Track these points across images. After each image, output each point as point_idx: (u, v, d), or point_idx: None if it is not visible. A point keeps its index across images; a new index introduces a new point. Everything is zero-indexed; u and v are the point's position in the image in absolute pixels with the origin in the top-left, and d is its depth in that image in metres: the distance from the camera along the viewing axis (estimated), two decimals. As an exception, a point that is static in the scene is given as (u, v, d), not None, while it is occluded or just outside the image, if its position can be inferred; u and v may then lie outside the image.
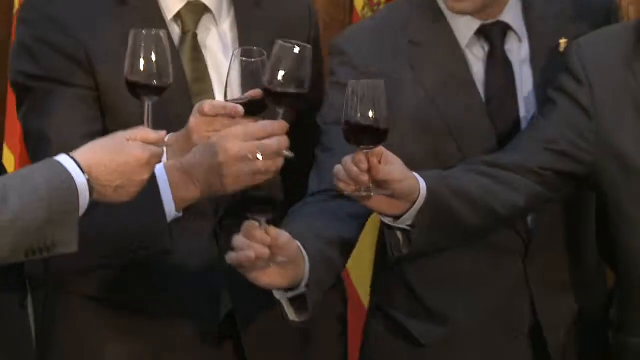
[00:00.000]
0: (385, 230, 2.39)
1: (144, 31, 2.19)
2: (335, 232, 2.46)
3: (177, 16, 2.51)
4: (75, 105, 2.48)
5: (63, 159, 1.99)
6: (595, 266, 2.74)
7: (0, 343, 2.26)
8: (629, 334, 2.52)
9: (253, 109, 2.32)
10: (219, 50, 2.59)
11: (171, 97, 2.32)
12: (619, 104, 2.43)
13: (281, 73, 2.24)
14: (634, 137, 2.42)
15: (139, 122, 2.23)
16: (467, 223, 2.45)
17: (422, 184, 2.32)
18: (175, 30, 2.53)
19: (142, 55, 2.19)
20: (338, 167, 2.21)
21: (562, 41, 2.62)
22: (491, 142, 2.57)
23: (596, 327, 2.67)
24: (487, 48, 2.62)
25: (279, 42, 2.25)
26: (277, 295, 2.31)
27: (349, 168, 2.19)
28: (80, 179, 1.99)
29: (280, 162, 2.19)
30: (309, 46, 2.28)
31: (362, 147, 2.19)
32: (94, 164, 2.01)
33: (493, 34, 2.61)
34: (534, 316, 2.58)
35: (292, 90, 2.25)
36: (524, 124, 2.60)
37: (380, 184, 2.22)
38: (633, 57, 2.46)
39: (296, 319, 2.34)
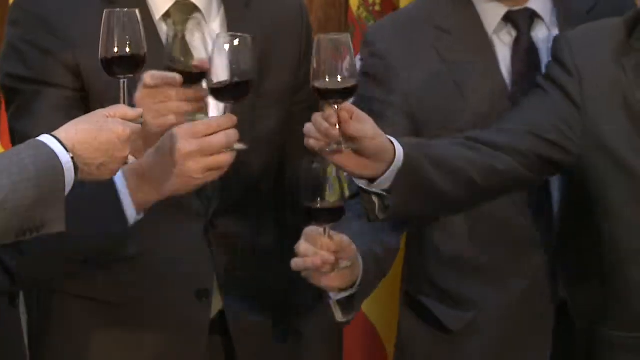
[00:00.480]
0: (360, 194, 2.38)
1: (116, 9, 2.21)
2: (380, 234, 2.49)
3: (166, 15, 2.52)
4: (60, 106, 2.48)
5: (47, 139, 2.00)
6: None
7: None
8: (613, 328, 2.55)
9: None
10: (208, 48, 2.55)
11: None
12: (608, 99, 2.44)
13: (219, 67, 2.27)
14: (623, 132, 2.44)
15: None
16: (445, 192, 2.44)
17: (399, 148, 2.32)
18: (163, 28, 2.52)
19: (115, 34, 2.20)
20: (308, 125, 2.22)
21: None
22: None
23: None
24: (514, 34, 2.66)
25: (219, 34, 2.32)
26: (331, 296, 2.35)
27: (319, 123, 2.20)
28: (65, 158, 2.00)
29: (231, 156, 2.20)
30: (248, 36, 2.28)
31: (331, 101, 2.20)
32: (77, 142, 2.02)
33: (520, 21, 2.65)
34: (558, 303, 2.62)
35: (232, 82, 2.26)
36: None
37: (351, 140, 2.21)
38: (623, 53, 2.48)
39: (342, 320, 2.38)
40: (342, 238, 2.25)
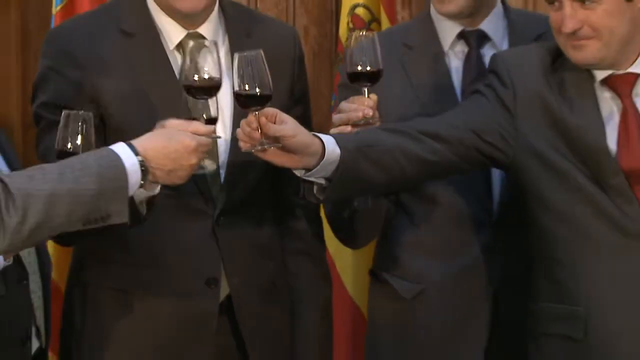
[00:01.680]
0: (300, 181, 2.45)
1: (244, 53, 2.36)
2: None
3: (179, 46, 2.60)
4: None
5: (118, 145, 2.13)
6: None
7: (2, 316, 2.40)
8: (541, 300, 2.66)
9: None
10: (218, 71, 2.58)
11: (176, 113, 2.43)
12: (536, 109, 2.54)
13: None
14: (546, 137, 2.55)
15: None
16: (378, 182, 2.53)
17: (328, 143, 2.39)
18: (177, 57, 2.61)
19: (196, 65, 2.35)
20: (237, 130, 2.34)
21: None
22: None
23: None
24: (466, 50, 2.76)
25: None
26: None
27: (242, 127, 2.31)
28: (131, 160, 2.11)
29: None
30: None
31: (252, 109, 2.33)
32: (149, 148, 2.14)
33: (471, 39, 2.76)
34: (496, 280, 2.73)
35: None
36: None
37: (273, 140, 2.32)
38: (550, 70, 2.58)
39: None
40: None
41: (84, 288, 2.64)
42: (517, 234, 2.69)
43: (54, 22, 3.28)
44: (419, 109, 2.66)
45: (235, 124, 2.58)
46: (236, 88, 2.35)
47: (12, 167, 2.57)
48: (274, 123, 2.35)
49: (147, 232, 2.52)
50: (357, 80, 2.43)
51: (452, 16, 2.69)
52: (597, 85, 2.54)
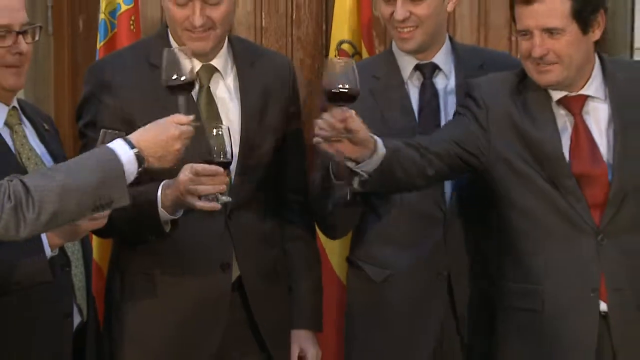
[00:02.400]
0: (345, 171, 2.44)
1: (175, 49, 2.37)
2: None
3: (196, 75, 2.56)
4: None
5: (116, 142, 2.16)
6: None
7: (47, 295, 2.39)
8: (508, 280, 2.69)
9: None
10: (226, 97, 2.69)
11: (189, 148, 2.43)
12: (504, 125, 2.60)
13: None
14: (513, 148, 2.59)
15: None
16: (398, 180, 2.53)
17: (378, 141, 2.43)
18: (195, 85, 2.57)
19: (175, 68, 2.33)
20: (319, 121, 2.33)
21: None
22: None
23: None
24: (421, 80, 2.77)
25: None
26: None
27: (327, 119, 2.31)
28: (128, 154, 2.14)
29: None
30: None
31: (339, 104, 2.34)
32: (142, 140, 2.18)
33: (425, 70, 2.77)
34: (449, 265, 2.74)
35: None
36: None
37: (349, 132, 2.33)
38: (516, 93, 2.62)
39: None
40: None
41: (121, 274, 2.70)
42: (466, 229, 2.75)
43: (98, 55, 3.33)
44: (383, 128, 2.64)
45: (243, 139, 2.65)
46: (330, 87, 2.36)
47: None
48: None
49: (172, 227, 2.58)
50: (336, 100, 2.37)
51: (411, 52, 2.71)
52: (553, 104, 2.59)
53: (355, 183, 2.46)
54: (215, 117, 2.61)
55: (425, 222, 2.75)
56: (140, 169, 2.18)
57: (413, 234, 2.75)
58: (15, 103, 2.48)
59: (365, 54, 3.38)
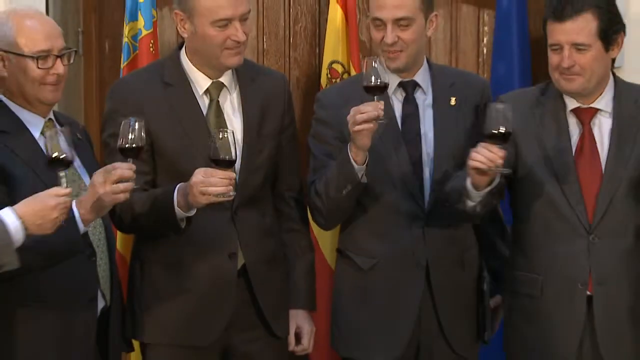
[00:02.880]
0: (471, 192, 2.47)
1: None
2: None
3: (206, 91, 2.65)
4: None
5: (6, 210, 2.12)
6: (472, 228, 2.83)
7: (72, 285, 2.41)
8: (515, 269, 2.72)
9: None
10: (230, 110, 2.68)
11: (201, 140, 2.53)
12: (526, 134, 2.59)
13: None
14: (533, 154, 2.60)
15: (185, 170, 2.49)
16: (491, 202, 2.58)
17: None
18: (205, 100, 2.65)
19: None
20: (478, 153, 2.37)
21: (452, 98, 2.76)
22: (402, 153, 2.70)
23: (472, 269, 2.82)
24: (404, 95, 2.75)
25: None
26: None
27: (491, 155, 2.37)
28: (13, 222, 2.10)
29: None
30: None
31: (498, 145, 2.38)
32: (24, 211, 2.12)
33: (407, 87, 2.75)
34: (428, 257, 2.72)
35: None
36: (422, 143, 2.72)
37: (497, 167, 2.40)
38: (536, 105, 2.63)
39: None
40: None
41: (141, 263, 2.72)
42: (442, 225, 2.75)
43: (122, 74, 3.34)
44: (379, 141, 2.63)
45: (245, 146, 2.64)
46: (490, 128, 2.41)
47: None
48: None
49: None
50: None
51: (396, 71, 2.70)
52: (568, 112, 2.61)
53: (474, 203, 2.53)
54: (222, 126, 2.61)
55: (407, 219, 2.73)
56: (26, 235, 2.15)
57: (396, 229, 2.73)
58: (51, 115, 2.50)
59: (352, 72, 3.38)
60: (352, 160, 2.55)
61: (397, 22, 2.65)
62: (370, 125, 2.47)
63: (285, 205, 2.84)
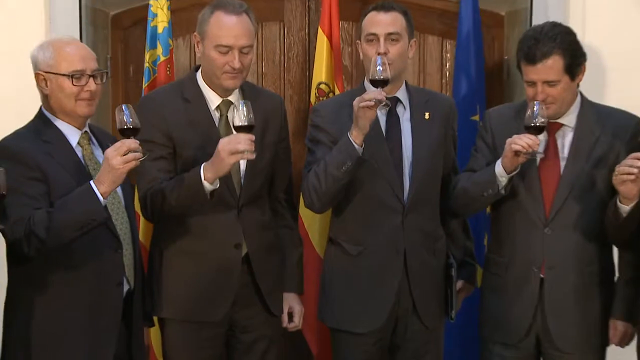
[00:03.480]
0: (500, 177, 2.54)
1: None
2: None
3: (217, 107, 2.67)
4: (162, 158, 2.62)
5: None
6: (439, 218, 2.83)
7: (101, 272, 2.40)
8: (489, 252, 2.83)
9: None
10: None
11: (213, 147, 2.48)
12: (504, 141, 2.55)
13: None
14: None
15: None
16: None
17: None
18: (217, 114, 2.66)
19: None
20: (519, 140, 2.41)
21: (427, 113, 2.77)
22: (386, 156, 2.71)
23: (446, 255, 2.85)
24: (387, 108, 2.74)
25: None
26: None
27: (531, 141, 2.42)
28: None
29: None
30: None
31: (534, 134, 2.42)
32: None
33: (390, 102, 2.73)
34: (406, 246, 2.72)
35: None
36: (403, 149, 2.72)
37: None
38: (514, 119, 2.64)
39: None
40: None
41: (160, 251, 2.73)
42: (418, 217, 2.76)
43: (143, 93, 3.31)
44: (366, 149, 2.62)
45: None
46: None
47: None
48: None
49: (198, 217, 2.63)
50: (375, 84, 2.50)
51: (384, 82, 2.59)
52: None
53: (503, 186, 2.58)
54: None
55: (390, 212, 2.74)
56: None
57: (381, 221, 2.75)
58: (87, 128, 2.53)
59: (337, 91, 3.41)
60: (352, 141, 2.57)
61: (389, 36, 2.69)
62: (372, 103, 2.48)
63: (279, 205, 2.88)
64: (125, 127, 2.32)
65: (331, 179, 2.64)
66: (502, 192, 2.60)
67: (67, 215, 2.30)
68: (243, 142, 2.42)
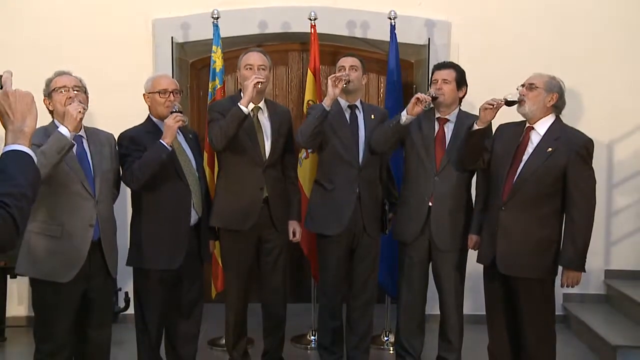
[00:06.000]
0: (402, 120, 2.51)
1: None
2: None
3: (251, 110, 2.64)
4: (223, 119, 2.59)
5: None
6: (383, 185, 2.80)
7: (175, 203, 2.31)
8: (404, 190, 2.68)
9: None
10: (264, 122, 2.64)
11: (249, 135, 2.55)
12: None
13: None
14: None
15: (241, 149, 2.50)
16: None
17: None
18: (251, 114, 2.60)
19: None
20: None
21: (372, 115, 2.74)
22: (349, 136, 2.64)
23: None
24: (350, 112, 2.77)
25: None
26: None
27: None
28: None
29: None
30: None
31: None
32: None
33: (352, 107, 2.76)
34: (359, 189, 2.64)
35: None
36: (359, 135, 2.62)
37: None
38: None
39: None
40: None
41: (217, 191, 2.64)
42: (367, 174, 2.72)
43: (207, 106, 3.18)
44: (334, 130, 2.63)
45: (272, 142, 2.57)
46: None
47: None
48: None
49: (240, 171, 2.58)
50: (344, 70, 2.57)
51: (348, 91, 2.66)
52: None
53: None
54: (259, 131, 2.66)
55: (350, 167, 2.72)
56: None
57: (345, 171, 2.74)
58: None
59: (317, 102, 3.23)
60: (324, 105, 2.61)
61: (352, 67, 2.78)
62: (341, 76, 2.53)
63: (286, 169, 2.89)
64: (174, 110, 2.41)
65: (311, 126, 2.67)
66: (401, 122, 2.59)
67: (147, 158, 2.37)
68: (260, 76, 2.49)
